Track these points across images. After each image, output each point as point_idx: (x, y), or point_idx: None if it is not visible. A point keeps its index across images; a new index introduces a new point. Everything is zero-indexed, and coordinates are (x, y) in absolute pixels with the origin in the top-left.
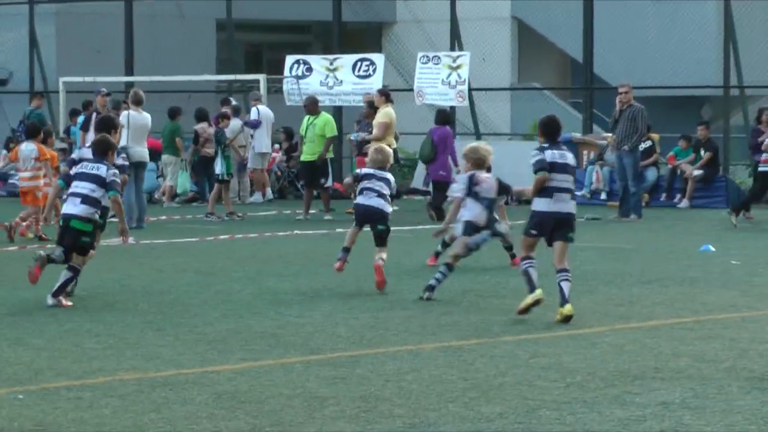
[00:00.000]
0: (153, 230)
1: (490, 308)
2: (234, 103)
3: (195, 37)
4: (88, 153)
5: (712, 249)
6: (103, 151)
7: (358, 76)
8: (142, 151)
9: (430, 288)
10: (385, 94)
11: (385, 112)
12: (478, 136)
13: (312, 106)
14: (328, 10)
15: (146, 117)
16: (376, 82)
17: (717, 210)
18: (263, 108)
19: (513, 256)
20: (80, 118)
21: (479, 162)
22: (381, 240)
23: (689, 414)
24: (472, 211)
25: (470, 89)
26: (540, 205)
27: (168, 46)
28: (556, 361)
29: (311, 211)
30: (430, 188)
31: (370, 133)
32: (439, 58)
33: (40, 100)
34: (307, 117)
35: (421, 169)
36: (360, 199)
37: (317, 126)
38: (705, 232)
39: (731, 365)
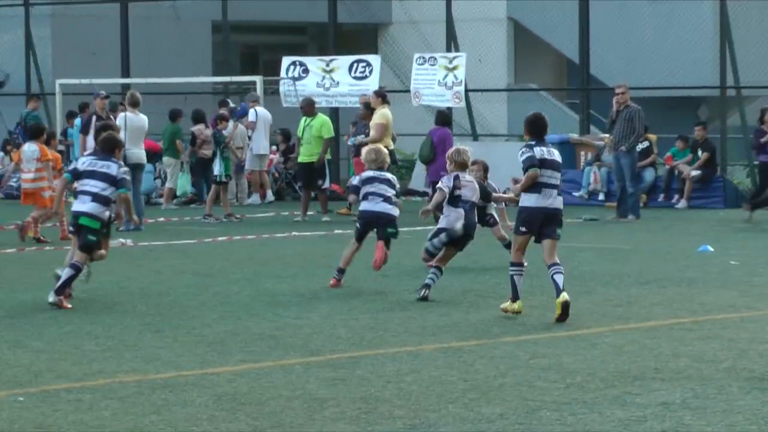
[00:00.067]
0: (151, 232)
1: (489, 309)
2: (231, 105)
3: (191, 39)
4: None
5: (711, 249)
6: (110, 148)
7: (355, 78)
8: (139, 153)
9: (427, 286)
10: (382, 95)
11: (382, 114)
12: (475, 137)
13: (308, 108)
14: (323, 12)
15: (143, 119)
16: (372, 84)
17: (715, 210)
18: (261, 109)
19: None
20: (77, 120)
21: (463, 164)
22: (387, 243)
23: (690, 414)
24: (447, 218)
25: (467, 90)
26: (528, 200)
27: (164, 48)
28: (556, 362)
29: (309, 213)
30: (429, 190)
31: (367, 134)
32: (436, 59)
33: (36, 103)
34: (303, 118)
35: (419, 170)
36: (365, 205)
37: (314, 127)
38: (703, 233)
39: (731, 365)
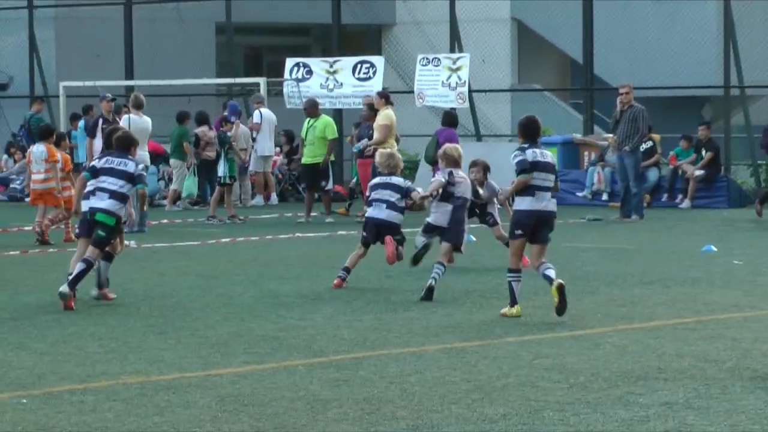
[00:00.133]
0: (154, 234)
1: (492, 309)
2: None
3: (194, 41)
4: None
5: (714, 249)
6: (125, 147)
7: (358, 79)
8: (142, 155)
9: (431, 289)
10: (385, 96)
11: (386, 115)
12: (479, 137)
13: (312, 109)
14: (327, 13)
15: (147, 121)
16: (376, 85)
17: (718, 210)
18: (265, 111)
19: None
20: (80, 123)
21: (455, 161)
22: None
23: (693, 414)
24: (435, 214)
25: (470, 91)
26: (523, 204)
27: (167, 50)
28: (559, 362)
29: (312, 214)
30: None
31: (371, 136)
32: (439, 59)
33: (40, 105)
34: (307, 120)
35: (422, 171)
36: (370, 212)
37: (317, 128)
38: (707, 233)
39: (734, 365)
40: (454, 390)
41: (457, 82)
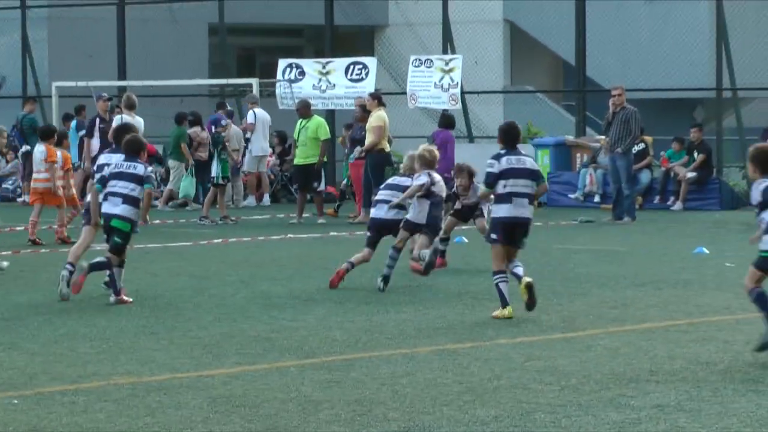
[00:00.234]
0: (147, 234)
1: (484, 311)
2: (229, 108)
3: (187, 42)
4: (105, 159)
5: (706, 251)
6: (135, 150)
7: (351, 80)
8: None
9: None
10: (378, 97)
11: (378, 116)
12: (471, 139)
13: (304, 110)
14: (320, 14)
15: (139, 121)
16: (368, 86)
17: (710, 212)
18: (259, 111)
19: None
20: (73, 123)
21: (431, 164)
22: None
23: (684, 417)
24: (414, 210)
25: (463, 92)
26: (500, 211)
27: (160, 51)
28: (551, 364)
29: (305, 215)
30: None
31: (363, 136)
32: (432, 61)
33: (32, 105)
34: (299, 120)
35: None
36: (373, 212)
37: (309, 129)
38: (698, 235)
39: (726, 368)
40: (446, 392)
41: (449, 84)
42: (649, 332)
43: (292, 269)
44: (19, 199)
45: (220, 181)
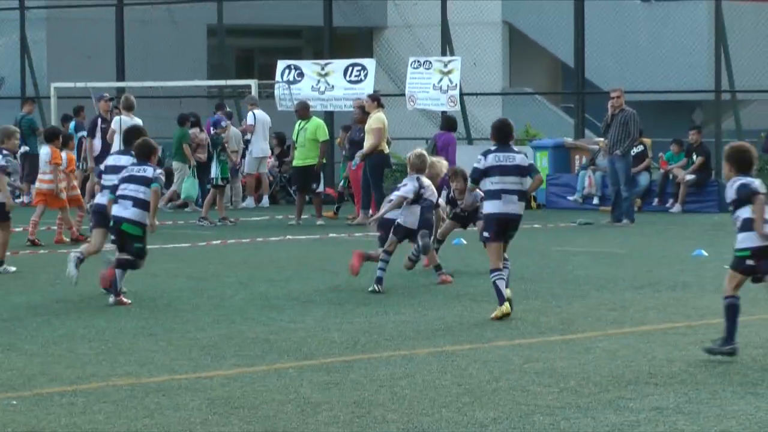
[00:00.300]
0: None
1: (483, 313)
2: (228, 109)
3: (186, 43)
4: (114, 161)
5: (705, 254)
6: (146, 154)
7: (350, 81)
8: None
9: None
10: (376, 98)
11: (378, 118)
12: (470, 141)
13: (303, 111)
14: (319, 15)
15: (138, 122)
16: (367, 87)
17: (709, 214)
18: (259, 112)
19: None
20: (72, 124)
21: (421, 168)
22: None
23: (683, 419)
24: (406, 216)
25: (461, 94)
26: (490, 207)
27: (159, 52)
28: (549, 366)
29: (303, 216)
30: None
31: (362, 138)
32: (431, 62)
33: (31, 106)
34: (298, 122)
35: None
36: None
37: (308, 130)
38: (697, 237)
39: (725, 370)
40: (445, 393)
41: (448, 85)
42: (647, 334)
43: (291, 271)
44: (17, 200)
45: (219, 183)
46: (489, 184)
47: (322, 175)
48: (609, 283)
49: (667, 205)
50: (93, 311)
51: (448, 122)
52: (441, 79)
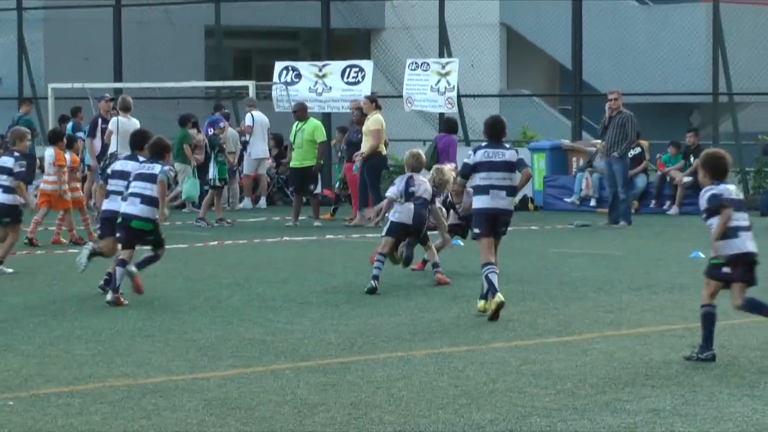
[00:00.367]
0: None
1: (480, 314)
2: (225, 110)
3: (183, 44)
4: (121, 166)
5: (702, 256)
6: (159, 153)
7: (347, 83)
8: None
9: (375, 277)
10: (374, 100)
11: (376, 119)
12: (467, 142)
13: (301, 112)
14: (316, 17)
15: (135, 123)
16: (364, 89)
17: None
18: (257, 113)
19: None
20: (69, 125)
21: (417, 168)
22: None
23: (680, 421)
24: (400, 213)
25: (459, 96)
26: (478, 202)
27: (157, 53)
28: (546, 368)
29: (301, 218)
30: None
31: (360, 139)
32: (428, 64)
33: (28, 107)
34: (295, 123)
35: None
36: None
37: (306, 131)
38: (694, 239)
39: (721, 372)
40: (442, 395)
41: (445, 87)
42: (644, 336)
43: (288, 272)
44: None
45: (217, 184)
46: (478, 179)
47: (319, 176)
48: (606, 285)
49: (665, 207)
50: (90, 312)
51: (448, 124)
52: (438, 81)
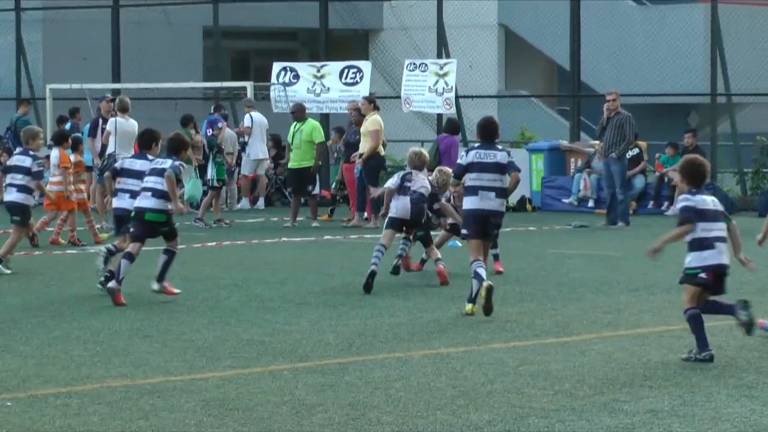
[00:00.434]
0: None
1: (478, 315)
2: (224, 110)
3: (182, 44)
4: (129, 164)
5: None
6: (175, 149)
7: (345, 84)
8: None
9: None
10: (373, 101)
11: (374, 120)
12: (465, 143)
13: (299, 113)
14: (314, 17)
15: (133, 124)
16: (363, 90)
17: None
18: (256, 114)
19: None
20: (67, 125)
21: (420, 165)
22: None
23: (678, 422)
24: (396, 207)
25: (457, 96)
26: (467, 203)
27: (155, 53)
28: (544, 369)
29: (299, 218)
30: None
31: (358, 140)
32: (426, 65)
33: (26, 107)
34: (293, 124)
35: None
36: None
37: (304, 132)
38: None
39: (719, 373)
40: (440, 396)
41: (444, 88)
42: (642, 337)
43: (286, 272)
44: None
45: (215, 184)
46: (468, 180)
47: (317, 177)
48: (604, 286)
49: (663, 208)
50: (88, 313)
51: (450, 125)
52: (437, 82)
